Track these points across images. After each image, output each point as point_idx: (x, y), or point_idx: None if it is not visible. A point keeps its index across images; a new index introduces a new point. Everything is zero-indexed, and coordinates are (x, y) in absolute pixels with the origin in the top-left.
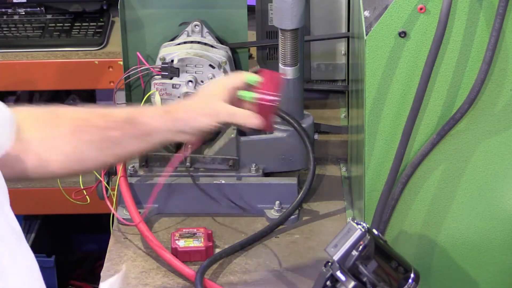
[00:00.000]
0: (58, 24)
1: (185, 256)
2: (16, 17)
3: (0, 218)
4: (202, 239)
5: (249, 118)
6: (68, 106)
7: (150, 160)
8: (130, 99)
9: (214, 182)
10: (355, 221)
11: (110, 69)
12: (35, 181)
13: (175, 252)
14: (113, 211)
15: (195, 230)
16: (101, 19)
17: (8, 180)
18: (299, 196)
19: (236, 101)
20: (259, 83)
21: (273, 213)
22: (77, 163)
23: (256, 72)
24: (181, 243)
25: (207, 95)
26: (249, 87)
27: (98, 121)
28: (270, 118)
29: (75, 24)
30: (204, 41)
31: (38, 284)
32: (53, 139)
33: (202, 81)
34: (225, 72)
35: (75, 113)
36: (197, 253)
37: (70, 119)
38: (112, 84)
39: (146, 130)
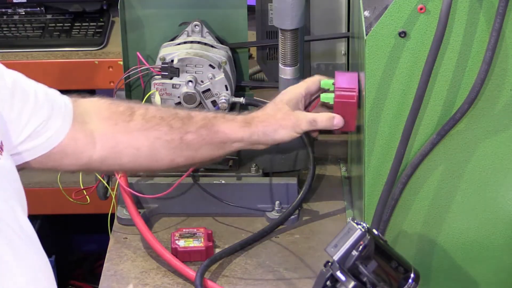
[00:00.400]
0: (58, 24)
1: (185, 256)
2: (16, 17)
3: (12, 221)
4: (202, 239)
5: (331, 120)
6: (140, 104)
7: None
8: (130, 99)
9: (214, 182)
10: (355, 221)
11: (110, 69)
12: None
13: (175, 252)
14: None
15: (195, 230)
16: (101, 19)
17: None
18: (299, 196)
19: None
20: (334, 85)
21: (273, 213)
22: (148, 160)
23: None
24: (181, 243)
25: (284, 105)
26: (324, 91)
27: (176, 122)
28: (353, 116)
29: (75, 24)
30: (204, 41)
31: (47, 285)
32: (126, 134)
33: (202, 81)
34: (225, 72)
35: (154, 111)
36: (197, 253)
37: (147, 116)
38: (112, 84)
39: (223, 139)
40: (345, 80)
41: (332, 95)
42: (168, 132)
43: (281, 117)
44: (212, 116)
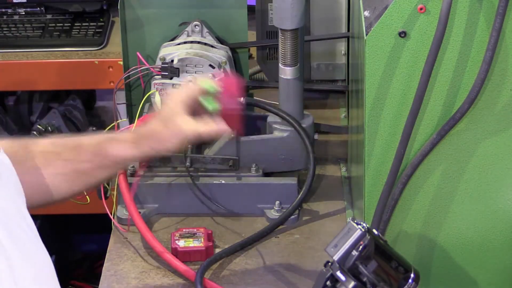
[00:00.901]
0: (58, 24)
1: (185, 256)
2: (16, 17)
3: (20, 220)
4: (202, 239)
5: (214, 129)
6: (37, 139)
7: (150, 160)
8: (130, 99)
9: (214, 182)
10: (355, 221)
11: (110, 69)
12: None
13: (175, 252)
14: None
15: (195, 230)
16: (101, 19)
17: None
18: (299, 196)
19: (199, 110)
20: (218, 90)
21: (273, 213)
22: (48, 195)
23: (214, 77)
24: (181, 243)
25: (168, 114)
26: (208, 94)
27: (69, 155)
28: (237, 124)
29: (75, 24)
30: (204, 41)
31: (51, 284)
32: (23, 174)
33: None
34: (225, 72)
35: (45, 146)
36: (197, 253)
37: (40, 153)
38: (112, 84)
39: (116, 160)
40: (227, 87)
41: (212, 103)
42: (64, 166)
43: (165, 132)
44: (102, 140)
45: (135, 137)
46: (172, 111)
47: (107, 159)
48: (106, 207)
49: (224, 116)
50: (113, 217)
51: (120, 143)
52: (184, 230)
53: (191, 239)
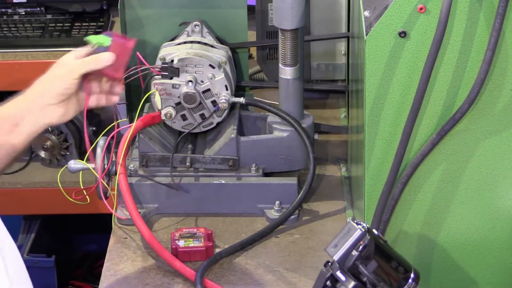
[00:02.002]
0: (58, 24)
1: (185, 256)
2: (16, 17)
3: None
4: (202, 239)
5: (101, 56)
6: None
7: (150, 160)
8: (130, 99)
9: (214, 182)
10: (355, 221)
11: None
12: None
13: (175, 252)
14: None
15: (195, 230)
16: (101, 19)
17: None
18: (299, 196)
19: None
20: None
21: (273, 213)
22: None
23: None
24: (181, 243)
25: (54, 67)
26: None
27: None
28: (123, 64)
29: (75, 24)
30: (204, 41)
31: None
32: None
33: (202, 81)
34: (225, 72)
35: None
36: (197, 253)
37: None
38: None
39: (13, 122)
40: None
41: (105, 38)
42: None
43: (53, 73)
44: None
45: (25, 93)
46: (60, 63)
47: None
48: (107, 207)
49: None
50: (113, 218)
51: (13, 102)
52: (184, 230)
53: (191, 239)
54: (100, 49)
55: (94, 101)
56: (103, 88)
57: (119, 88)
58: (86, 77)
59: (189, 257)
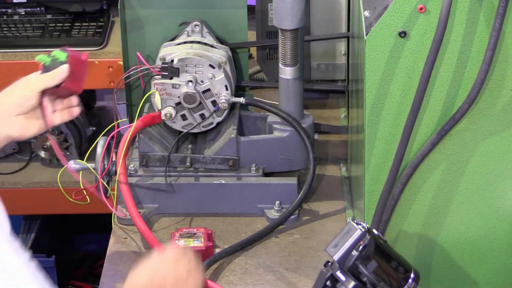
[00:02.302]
0: (58, 24)
1: None
2: (16, 17)
3: None
4: (202, 239)
5: (58, 70)
6: None
7: (150, 160)
8: (130, 99)
9: (214, 182)
10: (355, 221)
11: (110, 69)
12: None
13: None
14: (113, 210)
15: (195, 230)
16: (101, 19)
17: None
18: (299, 196)
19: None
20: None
21: (273, 213)
22: None
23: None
24: (181, 243)
25: (16, 83)
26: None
27: None
28: (82, 76)
29: (75, 24)
30: (204, 41)
31: None
32: None
33: (202, 81)
34: (225, 72)
35: None
36: (197, 253)
37: None
38: (112, 84)
39: None
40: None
41: (63, 53)
42: None
43: (12, 87)
44: None
45: None
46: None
47: None
48: (107, 207)
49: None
50: (113, 217)
51: None
52: (184, 230)
53: (191, 239)
54: (57, 64)
55: (58, 117)
56: (64, 104)
57: (75, 100)
58: (46, 93)
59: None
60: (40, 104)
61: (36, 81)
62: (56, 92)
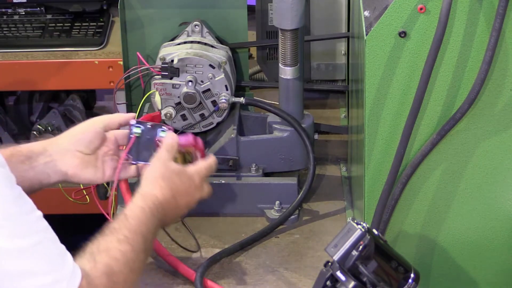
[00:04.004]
0: (58, 24)
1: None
2: (16, 17)
3: None
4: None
5: (126, 113)
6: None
7: None
8: (130, 99)
9: (214, 182)
10: (355, 221)
11: (110, 69)
12: None
13: None
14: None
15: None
16: (101, 19)
17: None
18: (299, 196)
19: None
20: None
21: (273, 213)
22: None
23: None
24: None
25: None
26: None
27: None
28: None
29: (75, 24)
30: (204, 41)
31: None
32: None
33: (202, 81)
34: (225, 72)
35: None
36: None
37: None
38: (112, 84)
39: (27, 155)
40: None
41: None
42: None
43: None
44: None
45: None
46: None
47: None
48: (107, 207)
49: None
50: (113, 217)
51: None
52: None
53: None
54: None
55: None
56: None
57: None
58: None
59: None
60: (100, 154)
61: (100, 119)
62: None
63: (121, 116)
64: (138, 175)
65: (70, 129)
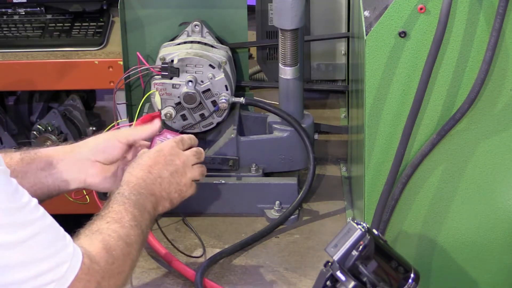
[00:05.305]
0: (58, 24)
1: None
2: (16, 17)
3: None
4: None
5: (150, 126)
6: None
7: None
8: (130, 99)
9: (214, 182)
10: (355, 221)
11: (110, 69)
12: None
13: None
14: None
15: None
16: (101, 19)
17: None
18: (299, 196)
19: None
20: None
21: (273, 213)
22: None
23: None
24: None
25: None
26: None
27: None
28: None
29: (75, 24)
30: (204, 41)
31: None
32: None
33: (202, 81)
34: (225, 72)
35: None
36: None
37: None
38: (112, 84)
39: (48, 161)
40: None
41: None
42: None
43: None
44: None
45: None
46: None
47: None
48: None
49: None
50: None
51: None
52: None
53: None
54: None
55: None
56: None
57: None
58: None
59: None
60: (121, 163)
61: (124, 132)
62: None
63: (146, 131)
64: None
65: (92, 138)
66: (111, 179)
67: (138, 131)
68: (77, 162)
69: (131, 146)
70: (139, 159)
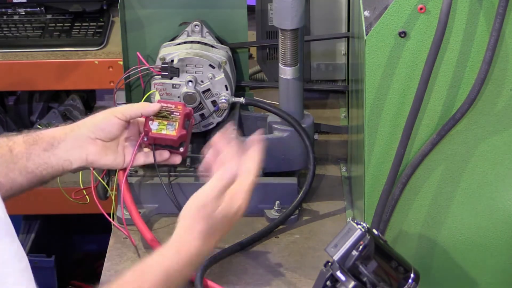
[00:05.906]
0: (58, 24)
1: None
2: (16, 17)
3: None
4: (177, 124)
5: (147, 104)
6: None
7: None
8: (130, 99)
9: None
10: (355, 221)
11: (110, 69)
12: None
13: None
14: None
15: (173, 106)
16: (101, 19)
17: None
18: (299, 196)
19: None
20: None
21: (273, 213)
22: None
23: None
24: (155, 126)
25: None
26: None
27: None
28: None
29: (75, 24)
30: (204, 41)
31: None
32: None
33: (202, 81)
34: (225, 72)
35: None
36: (168, 141)
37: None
38: (112, 84)
39: (50, 142)
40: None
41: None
42: None
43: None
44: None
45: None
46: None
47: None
48: (107, 207)
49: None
50: (113, 218)
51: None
52: (163, 105)
53: (165, 122)
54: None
55: (141, 159)
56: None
57: (166, 154)
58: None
59: (159, 142)
60: (122, 139)
61: (121, 108)
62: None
63: (144, 108)
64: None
65: (90, 117)
66: (112, 156)
67: (135, 107)
68: (78, 141)
69: (129, 122)
70: (211, 223)
